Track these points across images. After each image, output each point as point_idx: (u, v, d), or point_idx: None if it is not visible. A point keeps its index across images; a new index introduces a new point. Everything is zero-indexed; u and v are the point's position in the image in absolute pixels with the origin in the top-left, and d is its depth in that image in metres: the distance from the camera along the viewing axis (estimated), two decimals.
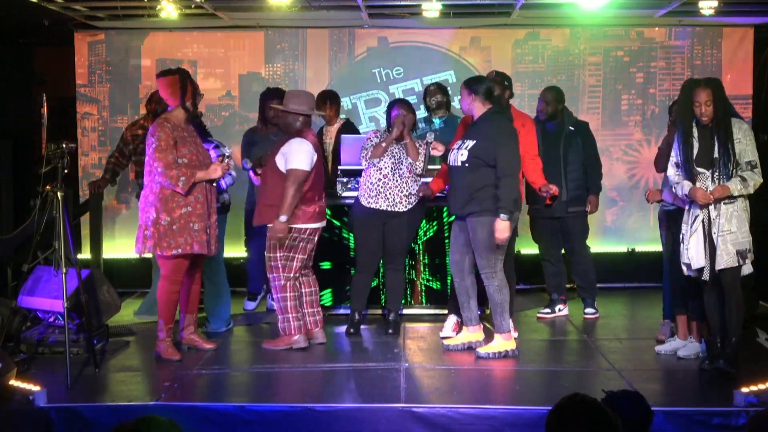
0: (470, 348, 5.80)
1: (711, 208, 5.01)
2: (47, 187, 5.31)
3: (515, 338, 6.09)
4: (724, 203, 4.99)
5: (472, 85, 5.67)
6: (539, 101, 6.93)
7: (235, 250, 7.53)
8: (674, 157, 5.23)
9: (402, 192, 6.15)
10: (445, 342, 5.90)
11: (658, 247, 6.58)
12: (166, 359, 5.61)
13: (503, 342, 5.66)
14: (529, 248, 7.87)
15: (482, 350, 5.65)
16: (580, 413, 2.87)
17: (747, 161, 5.02)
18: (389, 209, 6.15)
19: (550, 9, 7.76)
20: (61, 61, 8.49)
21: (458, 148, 5.63)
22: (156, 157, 5.44)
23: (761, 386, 4.56)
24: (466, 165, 5.54)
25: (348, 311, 6.69)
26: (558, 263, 7.03)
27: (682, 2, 7.34)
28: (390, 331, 6.26)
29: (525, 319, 6.83)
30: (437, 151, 6.14)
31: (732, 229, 4.99)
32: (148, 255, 5.72)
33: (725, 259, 4.98)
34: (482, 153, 5.51)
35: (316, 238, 5.93)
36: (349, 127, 7.35)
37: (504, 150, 5.52)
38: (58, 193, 5.20)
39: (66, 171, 5.30)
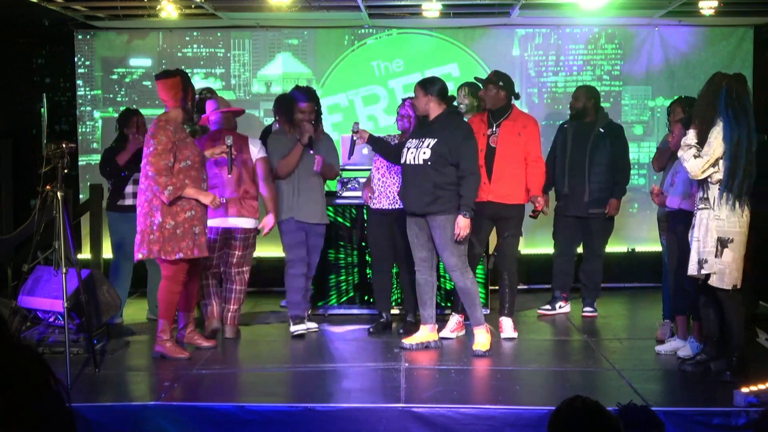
0: (427, 347, 5.82)
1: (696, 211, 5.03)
2: (47, 187, 5.31)
3: (515, 338, 6.10)
4: (698, 208, 4.98)
5: (426, 85, 5.75)
6: (572, 99, 6.99)
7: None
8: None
9: None
10: (404, 341, 5.88)
11: (658, 247, 6.60)
12: (175, 358, 5.60)
13: (486, 334, 5.76)
14: (529, 248, 7.88)
15: (477, 347, 5.68)
16: (582, 416, 2.87)
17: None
18: (391, 207, 6.17)
19: (549, 9, 7.76)
20: (61, 61, 8.49)
21: (416, 147, 5.65)
22: (149, 161, 5.40)
23: (761, 386, 4.56)
24: (429, 163, 5.58)
25: (346, 311, 6.73)
26: (569, 263, 7.03)
27: (682, 2, 7.35)
28: (401, 331, 6.24)
29: (525, 319, 6.83)
30: (362, 139, 6.18)
31: (699, 236, 4.95)
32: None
33: (690, 267, 4.99)
34: (446, 152, 5.58)
35: (216, 237, 6.08)
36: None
37: (467, 150, 5.61)
38: (58, 193, 5.20)
39: (66, 171, 5.30)
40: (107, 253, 7.95)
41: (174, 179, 5.40)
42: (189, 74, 5.73)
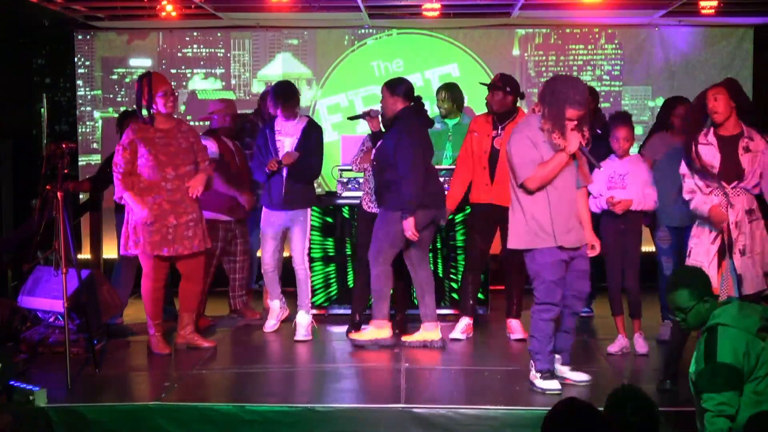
0: (425, 346, 5.83)
1: (733, 227, 4.74)
2: (47, 187, 5.32)
3: (522, 339, 6.07)
4: (749, 221, 4.77)
5: (392, 85, 5.83)
6: None
7: None
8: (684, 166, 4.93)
9: None
10: (404, 338, 5.92)
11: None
12: (157, 353, 5.70)
13: (375, 330, 5.85)
14: None
15: (353, 336, 5.92)
16: (574, 418, 2.88)
17: None
18: None
19: (549, 9, 7.77)
20: (61, 61, 8.49)
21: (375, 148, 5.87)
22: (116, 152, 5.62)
23: None
24: (374, 163, 5.78)
25: (346, 311, 6.72)
26: None
27: (682, 2, 7.35)
28: (397, 331, 6.23)
29: (526, 319, 6.81)
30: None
31: (758, 249, 4.77)
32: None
33: (755, 282, 4.75)
34: (384, 155, 5.69)
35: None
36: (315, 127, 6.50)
37: (402, 152, 5.62)
38: (58, 193, 5.20)
39: (66, 171, 5.31)
40: (107, 253, 7.96)
41: (122, 180, 5.52)
42: (150, 77, 5.69)
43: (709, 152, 4.82)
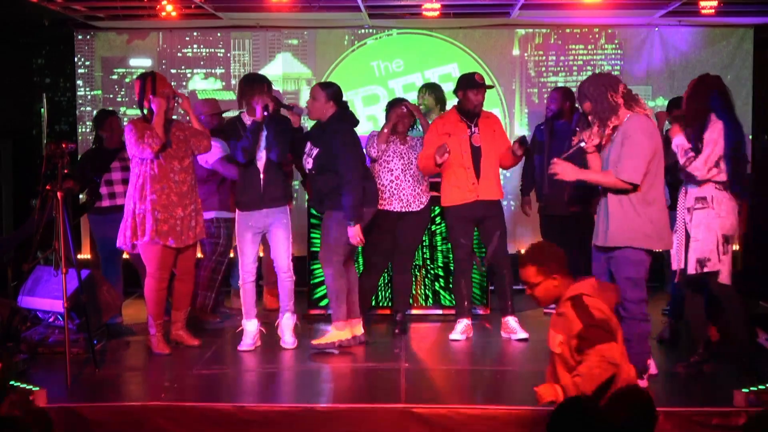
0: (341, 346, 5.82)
1: (686, 212, 5.03)
2: (47, 187, 5.33)
3: (525, 338, 6.06)
4: (695, 209, 4.99)
5: (326, 88, 5.83)
6: (548, 101, 7.03)
7: None
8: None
9: (414, 191, 6.19)
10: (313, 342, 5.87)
11: None
12: (157, 353, 5.71)
13: (336, 332, 5.81)
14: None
15: (315, 341, 5.80)
16: (579, 416, 2.88)
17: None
18: (403, 210, 6.17)
19: (549, 9, 7.77)
20: (61, 61, 8.50)
21: (307, 155, 5.81)
22: (130, 143, 5.56)
23: (761, 386, 4.56)
24: (314, 172, 5.75)
25: None
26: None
27: (682, 2, 7.35)
28: (396, 331, 6.25)
29: (526, 319, 6.80)
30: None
31: (698, 236, 4.95)
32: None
33: (691, 267, 4.99)
34: (325, 162, 5.70)
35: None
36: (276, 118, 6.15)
37: (344, 159, 5.64)
38: (58, 193, 5.20)
39: (66, 171, 5.31)
40: None
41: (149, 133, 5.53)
42: (154, 78, 5.73)
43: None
